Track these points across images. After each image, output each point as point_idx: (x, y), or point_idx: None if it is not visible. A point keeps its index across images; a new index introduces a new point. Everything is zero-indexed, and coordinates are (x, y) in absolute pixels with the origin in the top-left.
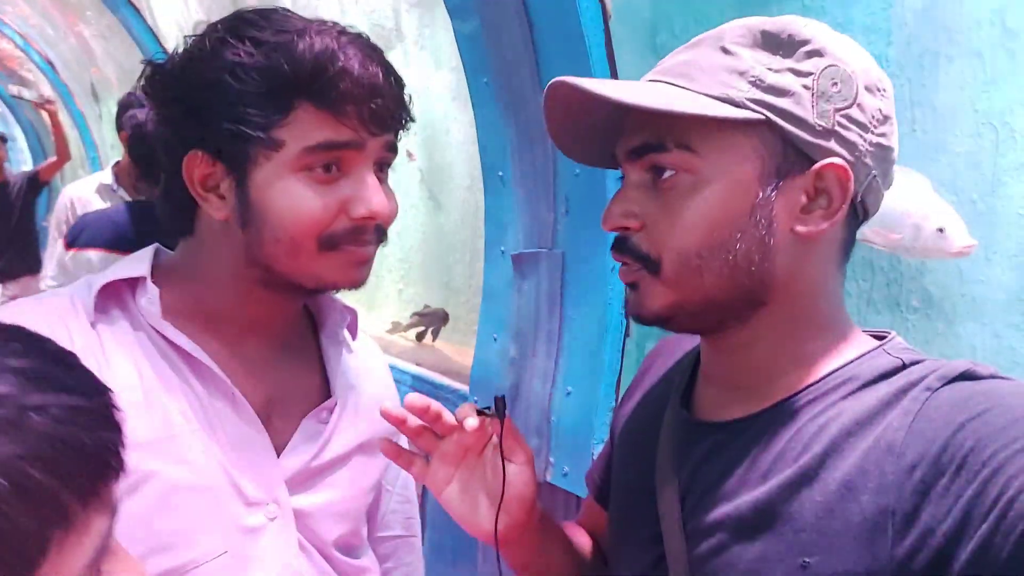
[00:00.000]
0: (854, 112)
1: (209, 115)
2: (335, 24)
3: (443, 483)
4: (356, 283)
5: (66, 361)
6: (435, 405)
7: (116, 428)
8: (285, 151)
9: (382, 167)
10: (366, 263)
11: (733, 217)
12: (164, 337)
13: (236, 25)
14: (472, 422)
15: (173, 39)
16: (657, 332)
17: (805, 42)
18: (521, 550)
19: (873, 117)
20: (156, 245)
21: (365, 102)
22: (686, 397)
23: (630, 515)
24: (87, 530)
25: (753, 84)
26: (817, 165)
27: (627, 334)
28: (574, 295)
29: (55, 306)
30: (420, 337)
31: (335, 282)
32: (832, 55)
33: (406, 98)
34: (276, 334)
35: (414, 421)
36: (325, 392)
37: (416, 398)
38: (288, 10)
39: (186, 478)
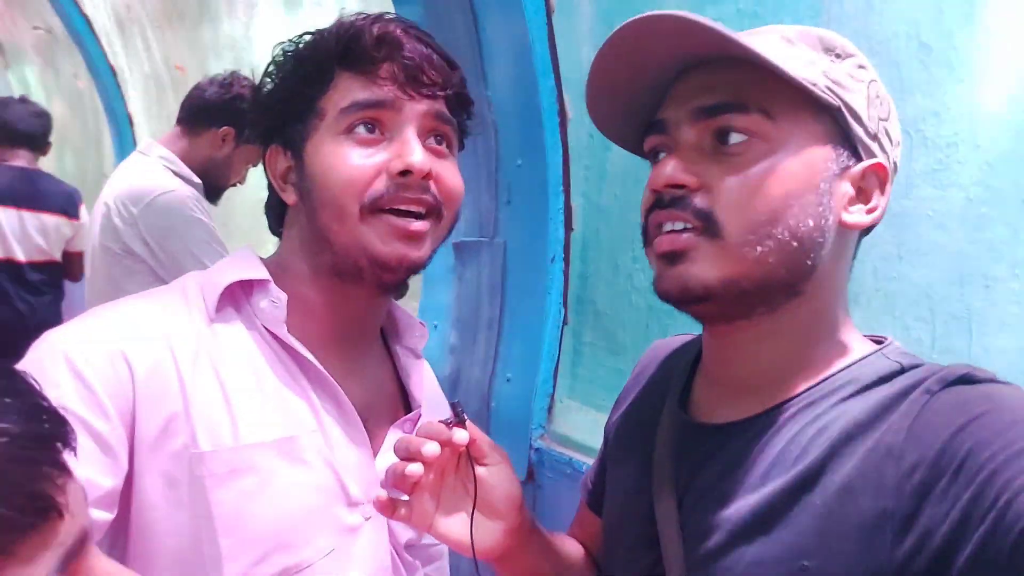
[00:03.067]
0: (890, 126)
1: (275, 107)
2: (381, 12)
3: (430, 515)
4: (405, 258)
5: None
6: (414, 444)
7: (57, 463)
8: (327, 118)
9: (436, 138)
10: (414, 238)
11: (803, 191)
12: (277, 339)
13: (304, 33)
14: (464, 434)
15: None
16: (591, 322)
17: (853, 55)
18: (518, 561)
19: (896, 138)
20: (249, 246)
21: (394, 58)
22: (683, 399)
23: (626, 517)
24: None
25: (825, 73)
26: (868, 162)
27: (566, 322)
28: (515, 284)
29: (171, 304)
30: None
31: (380, 255)
32: (872, 73)
33: (458, 72)
34: (364, 340)
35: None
36: (403, 401)
37: (416, 467)
38: None
39: (304, 478)
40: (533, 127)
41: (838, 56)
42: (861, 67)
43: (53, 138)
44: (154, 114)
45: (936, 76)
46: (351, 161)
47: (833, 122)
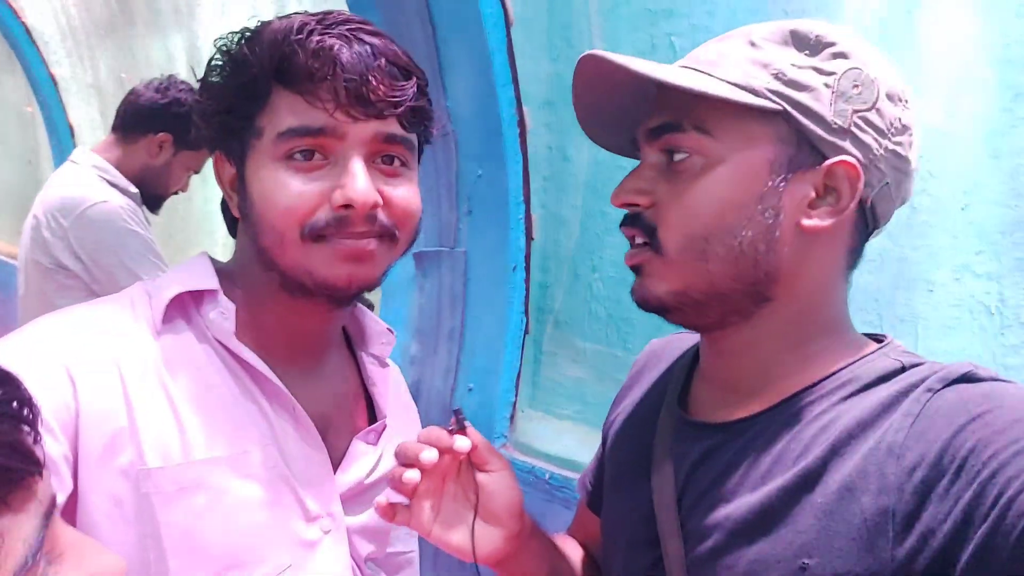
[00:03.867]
0: (872, 116)
1: (214, 114)
2: (335, 13)
3: (431, 521)
4: (351, 280)
5: None
6: (412, 451)
7: (16, 429)
8: (264, 139)
9: (390, 160)
10: (360, 259)
11: (740, 202)
12: (228, 350)
13: (243, 30)
14: (465, 442)
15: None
16: (551, 332)
17: (832, 44)
18: (518, 565)
19: (891, 124)
20: (206, 253)
21: (334, 77)
22: (682, 398)
23: (626, 517)
24: (7, 538)
25: (775, 76)
26: (829, 161)
27: (527, 331)
28: (476, 293)
29: (117, 314)
30: None
31: (326, 279)
32: (857, 58)
33: (412, 82)
34: (321, 350)
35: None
36: (368, 411)
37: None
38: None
39: (257, 494)
40: (493, 138)
41: (811, 49)
42: (838, 56)
43: None
44: (98, 125)
45: None
46: (285, 191)
47: (785, 122)
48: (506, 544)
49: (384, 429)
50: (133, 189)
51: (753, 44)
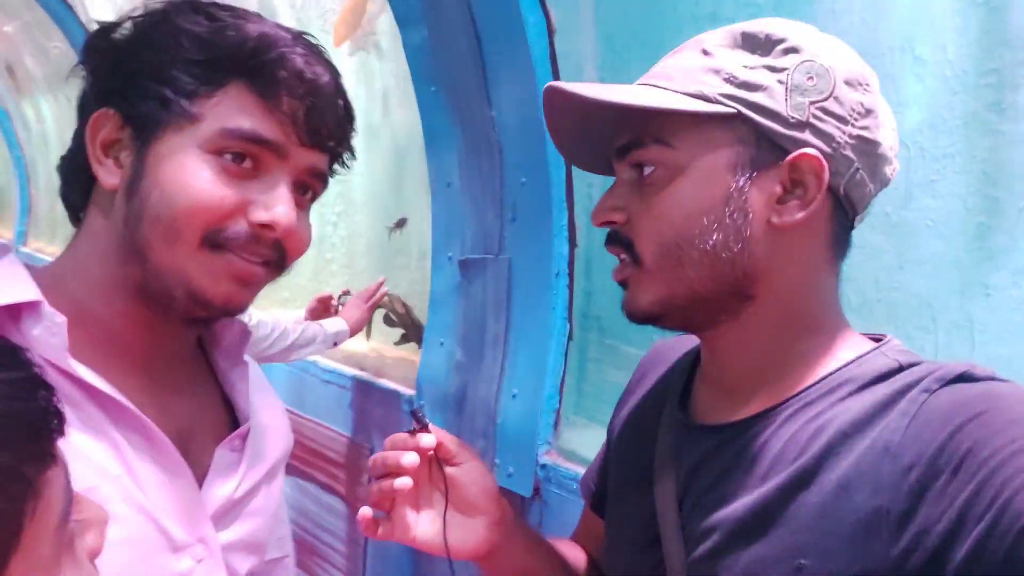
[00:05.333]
0: (831, 105)
1: (137, 71)
2: (307, 34)
3: (411, 528)
4: (231, 302)
5: None
6: (391, 459)
7: (48, 386)
8: (201, 127)
9: (305, 191)
10: (249, 282)
11: (706, 207)
12: (61, 372)
13: (197, 2)
14: (430, 438)
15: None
16: (596, 338)
17: (782, 40)
18: (506, 558)
19: (853, 110)
20: (13, 254)
21: (302, 99)
22: (683, 400)
23: (627, 518)
24: (51, 490)
25: (727, 80)
26: (791, 156)
27: (570, 338)
28: (520, 300)
29: None
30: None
31: (205, 293)
32: (808, 51)
33: (350, 125)
34: (175, 358)
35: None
36: (228, 416)
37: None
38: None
39: (114, 533)
40: (536, 146)
41: (762, 48)
42: (789, 51)
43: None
44: None
45: (931, 88)
46: (207, 187)
47: (743, 124)
48: (489, 532)
49: (247, 433)
50: None
51: (706, 52)
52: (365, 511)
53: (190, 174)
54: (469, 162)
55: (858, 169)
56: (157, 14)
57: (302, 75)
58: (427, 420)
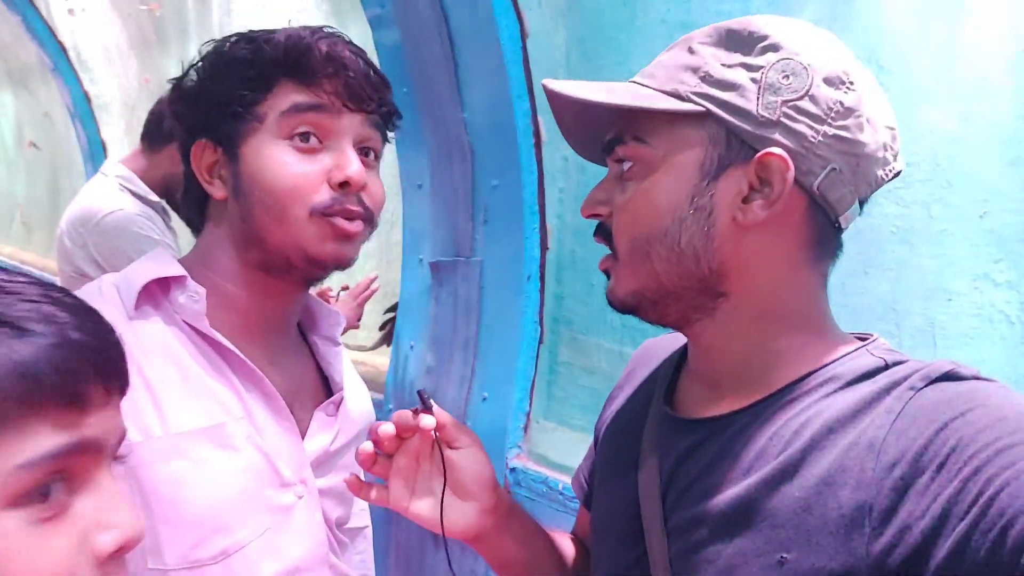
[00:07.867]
0: (804, 103)
1: (210, 103)
2: (326, 27)
3: (406, 499)
4: (341, 259)
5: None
6: (383, 430)
7: (119, 346)
8: (268, 122)
9: (366, 151)
10: (351, 239)
11: (673, 204)
12: (198, 332)
13: (233, 35)
14: (431, 420)
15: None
16: (567, 342)
17: (764, 38)
18: (497, 542)
19: (830, 109)
20: (163, 248)
21: (338, 75)
22: (670, 394)
23: (613, 512)
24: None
25: (702, 79)
26: (759, 154)
27: (541, 341)
28: (491, 303)
29: (88, 299)
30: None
31: (319, 255)
32: (788, 49)
33: (388, 91)
34: (285, 330)
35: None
36: (324, 387)
37: (389, 428)
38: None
39: (236, 463)
40: (508, 149)
41: (744, 46)
42: (768, 49)
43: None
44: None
45: (896, 97)
46: (295, 169)
47: (714, 122)
48: (480, 517)
49: (342, 401)
50: (154, 198)
51: (691, 50)
52: (366, 446)
53: (275, 160)
54: (440, 164)
55: (835, 169)
56: (210, 55)
57: (330, 56)
58: (432, 403)
